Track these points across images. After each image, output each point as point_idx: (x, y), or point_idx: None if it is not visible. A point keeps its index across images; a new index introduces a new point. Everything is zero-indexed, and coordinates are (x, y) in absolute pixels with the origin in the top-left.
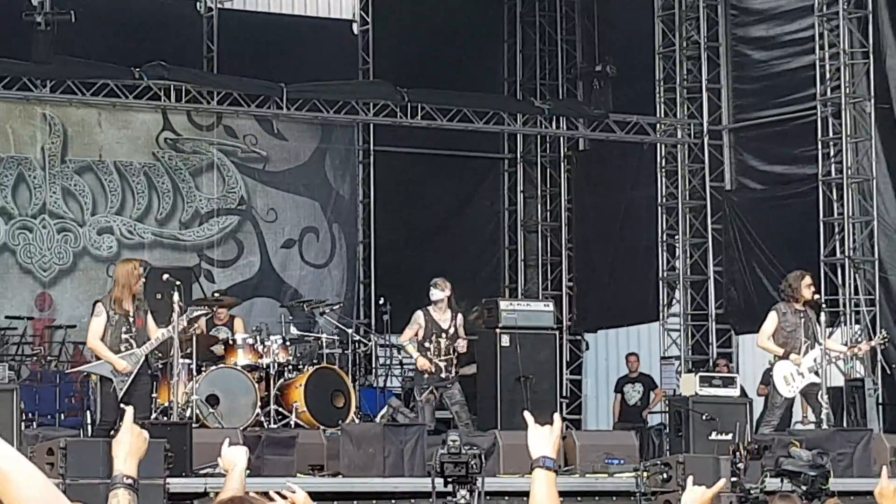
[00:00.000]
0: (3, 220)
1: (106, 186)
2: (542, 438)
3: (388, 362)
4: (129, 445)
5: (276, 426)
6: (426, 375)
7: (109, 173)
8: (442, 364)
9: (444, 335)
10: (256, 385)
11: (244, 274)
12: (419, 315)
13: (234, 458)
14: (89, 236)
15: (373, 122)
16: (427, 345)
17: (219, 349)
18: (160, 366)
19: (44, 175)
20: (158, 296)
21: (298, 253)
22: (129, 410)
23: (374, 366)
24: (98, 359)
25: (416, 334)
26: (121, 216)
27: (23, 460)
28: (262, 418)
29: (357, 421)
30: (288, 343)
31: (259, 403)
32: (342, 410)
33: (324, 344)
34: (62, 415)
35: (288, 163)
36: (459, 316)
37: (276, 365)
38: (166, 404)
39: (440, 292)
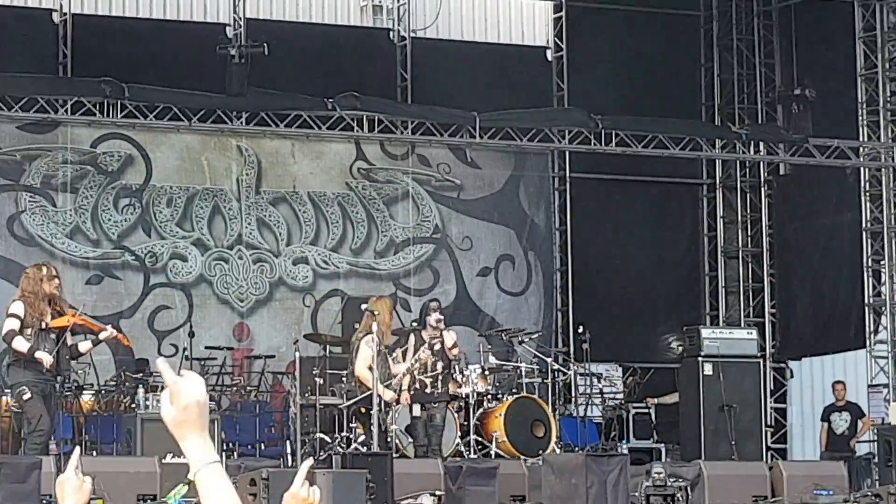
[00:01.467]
0: (200, 252)
1: (300, 217)
2: None
3: (588, 391)
4: None
5: (476, 456)
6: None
7: (303, 204)
8: (427, 381)
9: (431, 351)
10: (456, 415)
11: (440, 302)
12: (411, 339)
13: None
14: (285, 266)
15: (567, 149)
16: (414, 363)
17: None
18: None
19: (239, 206)
20: (356, 325)
21: (495, 281)
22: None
23: (573, 395)
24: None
25: (404, 356)
26: (315, 246)
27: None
28: (462, 448)
29: (558, 451)
30: (487, 372)
31: (459, 433)
32: (543, 440)
33: (523, 373)
34: (262, 445)
35: (482, 191)
36: (448, 335)
37: (475, 394)
38: (366, 435)
39: (438, 321)
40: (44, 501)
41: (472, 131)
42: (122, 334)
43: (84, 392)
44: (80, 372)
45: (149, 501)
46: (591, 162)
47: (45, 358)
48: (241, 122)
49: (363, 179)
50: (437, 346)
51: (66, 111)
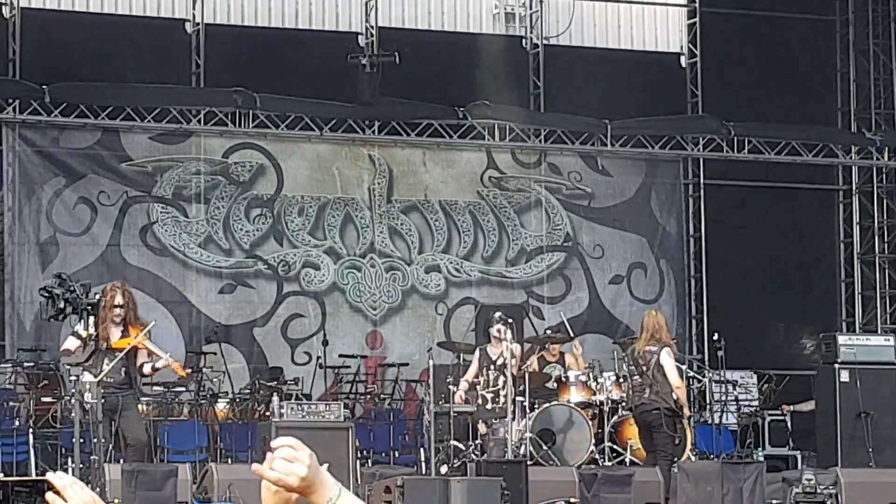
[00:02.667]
0: (333, 260)
1: (432, 225)
2: None
3: (723, 398)
4: None
5: (611, 464)
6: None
7: (435, 212)
8: (488, 396)
9: (492, 366)
10: (590, 422)
11: (573, 310)
12: (476, 352)
13: None
14: (417, 275)
15: (699, 156)
16: (479, 378)
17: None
18: None
19: (370, 215)
20: (488, 332)
21: (627, 288)
22: None
23: (708, 402)
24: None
25: (476, 374)
26: (447, 254)
27: None
28: (597, 455)
29: (693, 458)
30: (621, 380)
31: (593, 441)
32: (678, 448)
33: None
34: (396, 452)
35: (613, 199)
36: (515, 346)
37: (609, 402)
38: None
39: (500, 332)
40: None
41: (603, 139)
42: (177, 364)
43: (219, 400)
44: (214, 380)
45: None
46: (724, 169)
47: (70, 344)
48: (373, 132)
49: (494, 188)
50: (500, 361)
51: (198, 121)
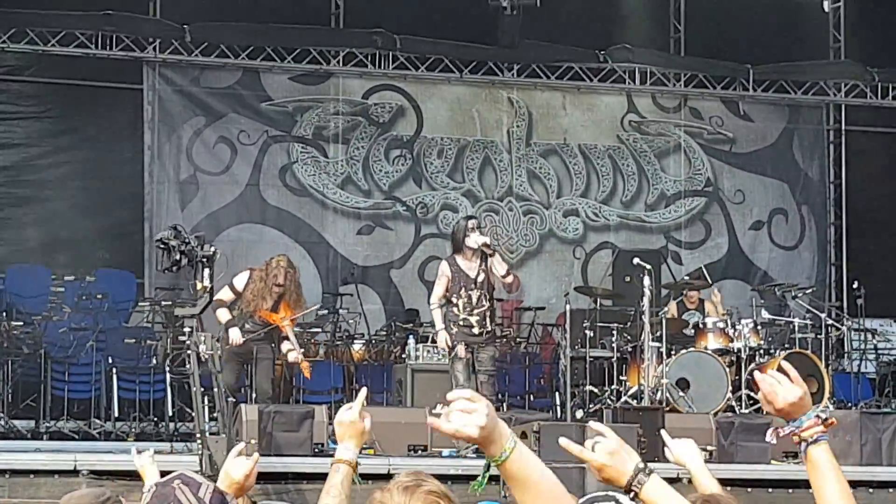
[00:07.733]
0: (470, 203)
1: (571, 169)
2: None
3: (862, 346)
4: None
5: (748, 411)
6: (454, 330)
7: (574, 156)
8: (473, 319)
9: (473, 285)
10: (727, 369)
11: (712, 256)
12: (444, 266)
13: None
14: (555, 218)
15: (842, 102)
16: (455, 300)
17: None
18: (629, 349)
19: (509, 158)
20: (627, 279)
21: (767, 234)
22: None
23: (847, 350)
24: None
25: (446, 289)
26: (586, 198)
27: (540, 468)
28: (734, 403)
29: (832, 407)
30: (759, 327)
31: (730, 388)
32: (815, 396)
33: (796, 328)
34: (531, 396)
35: (755, 144)
36: (490, 258)
37: (747, 349)
38: (636, 388)
39: (476, 236)
40: (316, 449)
41: (745, 84)
42: (306, 364)
43: (355, 341)
44: (350, 322)
45: (419, 452)
46: (866, 115)
47: (233, 337)
48: (513, 74)
49: (634, 132)
50: (482, 277)
51: (337, 62)
